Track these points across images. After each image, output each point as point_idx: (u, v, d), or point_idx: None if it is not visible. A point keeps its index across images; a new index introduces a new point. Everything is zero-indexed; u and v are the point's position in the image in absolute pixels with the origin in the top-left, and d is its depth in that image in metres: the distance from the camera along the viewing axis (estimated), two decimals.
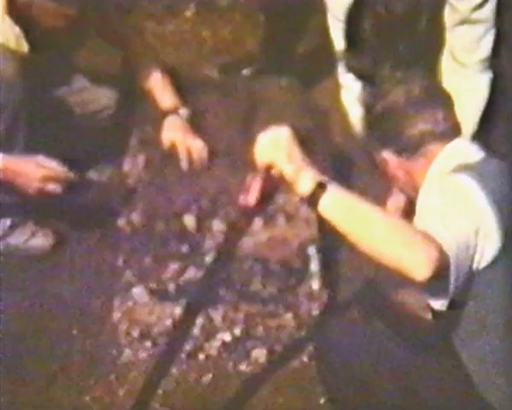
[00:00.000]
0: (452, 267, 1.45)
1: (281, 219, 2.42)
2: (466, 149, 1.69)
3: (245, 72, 2.92)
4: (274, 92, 2.83)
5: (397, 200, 1.99)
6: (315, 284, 2.28)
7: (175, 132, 2.51)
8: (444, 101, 1.73)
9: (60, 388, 2.12)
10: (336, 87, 2.69)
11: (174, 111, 2.53)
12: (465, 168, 1.61)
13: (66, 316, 2.30)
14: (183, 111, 2.55)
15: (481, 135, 2.36)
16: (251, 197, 1.54)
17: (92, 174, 2.66)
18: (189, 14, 3.18)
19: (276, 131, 1.52)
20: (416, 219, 1.56)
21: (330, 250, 2.39)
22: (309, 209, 2.43)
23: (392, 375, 1.66)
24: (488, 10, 2.32)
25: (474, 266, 1.53)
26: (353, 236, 1.46)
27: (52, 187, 2.23)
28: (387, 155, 1.74)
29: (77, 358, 2.20)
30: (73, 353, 2.21)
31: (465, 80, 2.38)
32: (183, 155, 2.50)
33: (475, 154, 1.68)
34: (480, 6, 2.30)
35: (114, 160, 2.65)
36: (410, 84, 1.73)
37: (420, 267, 1.39)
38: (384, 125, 1.74)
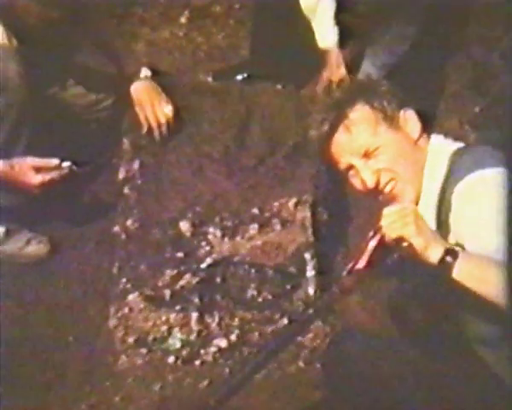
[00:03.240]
0: None
1: (276, 225, 2.42)
2: (446, 141, 1.73)
3: (239, 77, 2.92)
4: (268, 97, 2.83)
5: None
6: (311, 290, 2.29)
7: (143, 104, 2.49)
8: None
9: (56, 395, 2.12)
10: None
11: (136, 75, 2.52)
12: (472, 159, 1.62)
13: (62, 323, 2.30)
14: (145, 71, 2.53)
15: None
16: (361, 263, 1.62)
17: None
18: (183, 20, 3.17)
19: (403, 205, 1.61)
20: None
21: (326, 255, 2.40)
22: (304, 214, 2.45)
23: (414, 380, 1.66)
24: None
25: None
26: (484, 295, 1.49)
27: (50, 176, 2.25)
28: None
29: (73, 365, 2.19)
30: (69, 360, 2.21)
31: None
32: (153, 126, 2.50)
33: (455, 143, 1.71)
34: None
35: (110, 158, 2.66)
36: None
37: None
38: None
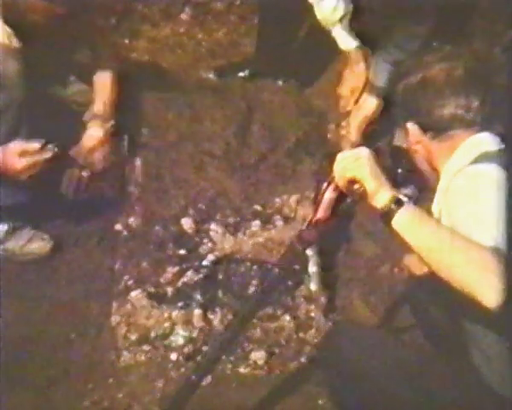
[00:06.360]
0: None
1: (278, 221, 2.42)
2: (489, 141, 1.67)
3: (241, 74, 2.92)
4: (270, 94, 2.84)
5: None
6: (313, 286, 2.29)
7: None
8: (482, 89, 1.70)
9: (59, 392, 2.12)
10: (331, 87, 2.71)
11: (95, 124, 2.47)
12: (485, 157, 1.60)
13: (65, 320, 2.30)
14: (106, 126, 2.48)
15: None
16: (319, 213, 1.65)
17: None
18: (184, 17, 3.18)
19: (356, 150, 1.61)
20: (450, 218, 1.55)
21: (328, 252, 2.40)
22: (306, 211, 2.45)
23: (404, 376, 1.65)
24: None
25: None
26: (423, 254, 1.48)
27: (34, 159, 2.24)
28: (411, 126, 1.72)
29: (75, 362, 2.20)
30: (72, 357, 2.21)
31: None
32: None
33: (497, 144, 1.67)
34: None
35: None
36: (454, 62, 1.73)
37: (492, 295, 1.38)
38: (417, 97, 1.72)
